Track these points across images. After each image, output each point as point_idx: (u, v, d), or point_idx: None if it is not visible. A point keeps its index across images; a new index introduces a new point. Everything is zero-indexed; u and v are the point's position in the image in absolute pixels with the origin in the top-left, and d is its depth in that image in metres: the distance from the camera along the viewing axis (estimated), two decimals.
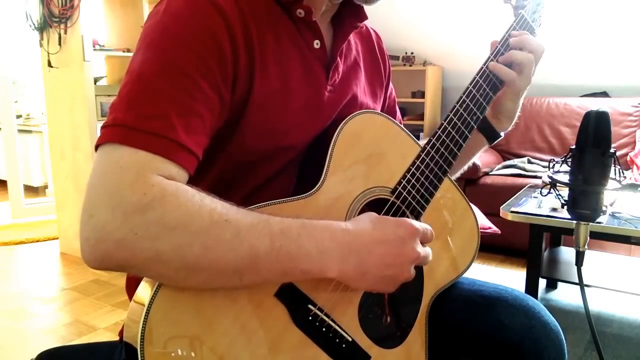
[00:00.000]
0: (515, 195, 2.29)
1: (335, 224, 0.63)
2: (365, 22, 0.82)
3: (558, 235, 2.53)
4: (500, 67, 0.81)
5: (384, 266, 0.62)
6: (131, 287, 0.75)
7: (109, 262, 0.53)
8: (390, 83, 0.94)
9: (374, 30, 0.91)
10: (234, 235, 0.55)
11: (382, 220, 0.65)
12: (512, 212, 1.97)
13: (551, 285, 2.47)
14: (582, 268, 0.85)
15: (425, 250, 0.66)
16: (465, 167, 0.96)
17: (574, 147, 0.80)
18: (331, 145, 0.69)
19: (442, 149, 0.76)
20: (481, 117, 0.80)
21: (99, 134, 0.57)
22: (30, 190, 4.40)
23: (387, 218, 0.66)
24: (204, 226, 0.54)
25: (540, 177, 2.91)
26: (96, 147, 0.58)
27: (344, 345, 0.66)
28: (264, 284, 0.61)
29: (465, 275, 0.80)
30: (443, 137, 0.76)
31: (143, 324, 0.53)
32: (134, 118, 0.56)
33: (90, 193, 0.54)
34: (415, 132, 3.78)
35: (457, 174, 0.96)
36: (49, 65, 2.81)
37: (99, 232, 0.52)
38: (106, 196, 0.53)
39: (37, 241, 3.24)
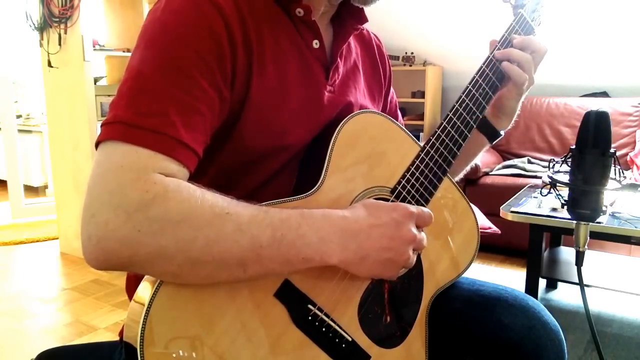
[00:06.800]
0: (515, 195, 2.29)
1: (333, 212, 0.63)
2: (366, 24, 0.82)
3: (558, 235, 2.53)
4: (511, 66, 0.81)
5: (382, 249, 0.63)
6: (131, 287, 0.75)
7: (112, 260, 0.53)
8: (392, 88, 0.94)
9: (375, 35, 0.91)
10: (236, 227, 0.56)
11: (377, 205, 0.66)
12: (512, 212, 1.98)
13: (551, 285, 2.47)
14: (582, 268, 0.85)
15: (420, 234, 0.66)
16: (468, 168, 0.96)
17: (574, 147, 0.80)
18: (330, 144, 0.69)
19: (441, 149, 0.76)
20: (481, 117, 0.80)
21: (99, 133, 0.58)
22: (30, 190, 4.40)
23: (382, 203, 0.66)
24: (206, 220, 0.54)
25: (540, 177, 2.91)
26: (96, 145, 0.58)
27: (343, 345, 0.66)
28: (265, 279, 0.61)
29: (465, 275, 0.80)
30: (443, 136, 0.76)
31: (143, 323, 0.53)
32: (133, 115, 0.56)
33: (92, 192, 0.54)
34: (415, 132, 3.78)
35: (460, 176, 0.96)
36: (49, 65, 2.81)
37: (102, 231, 0.52)
38: (107, 195, 0.53)
39: (37, 241, 3.24)
